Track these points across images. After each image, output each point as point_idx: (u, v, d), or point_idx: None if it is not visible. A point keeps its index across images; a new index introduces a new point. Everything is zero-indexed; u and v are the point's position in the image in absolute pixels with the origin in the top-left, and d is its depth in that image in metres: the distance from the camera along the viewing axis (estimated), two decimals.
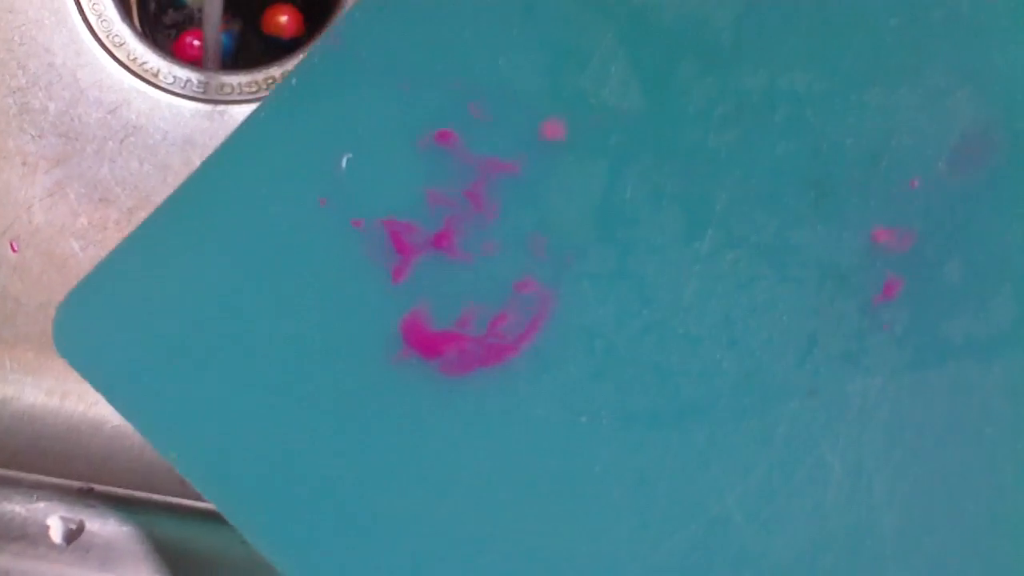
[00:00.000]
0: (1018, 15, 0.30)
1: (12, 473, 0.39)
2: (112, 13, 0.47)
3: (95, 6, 0.47)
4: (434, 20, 0.33)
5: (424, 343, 0.29)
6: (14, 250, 0.45)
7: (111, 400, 0.30)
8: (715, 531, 0.27)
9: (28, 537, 0.37)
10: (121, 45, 0.47)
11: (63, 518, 0.37)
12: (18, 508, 0.37)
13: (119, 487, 0.38)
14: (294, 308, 0.30)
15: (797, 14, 0.31)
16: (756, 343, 0.28)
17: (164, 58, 0.47)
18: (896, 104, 0.30)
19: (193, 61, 0.50)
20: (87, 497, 0.38)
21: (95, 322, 0.31)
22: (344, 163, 0.31)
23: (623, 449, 0.28)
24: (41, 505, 0.38)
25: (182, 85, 0.47)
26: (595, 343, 0.29)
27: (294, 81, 0.33)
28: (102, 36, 0.47)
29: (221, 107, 0.46)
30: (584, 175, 0.31)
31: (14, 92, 0.46)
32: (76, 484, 0.38)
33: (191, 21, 0.56)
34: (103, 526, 0.37)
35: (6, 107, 0.46)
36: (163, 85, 0.47)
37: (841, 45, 0.31)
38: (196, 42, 0.53)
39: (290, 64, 0.47)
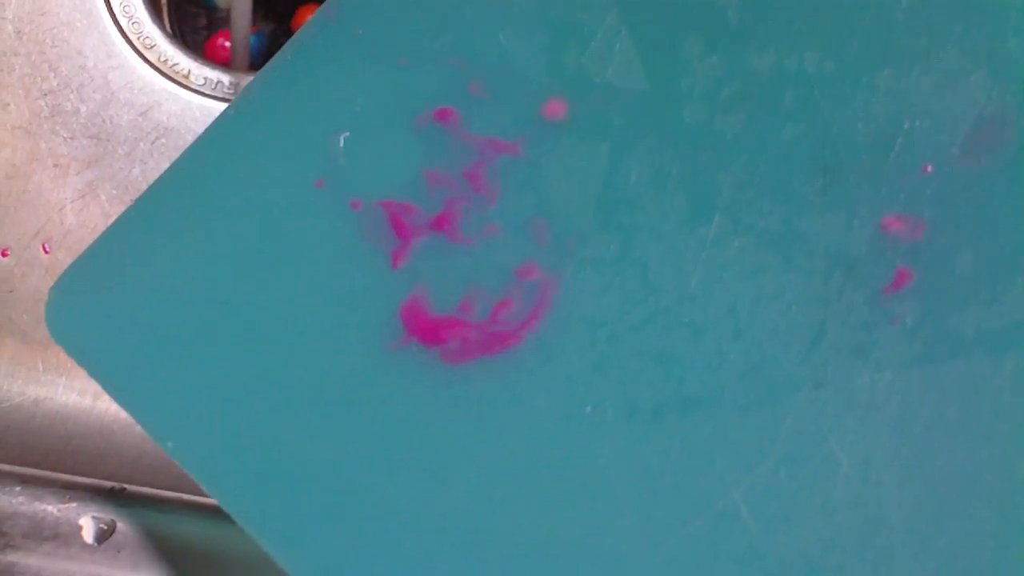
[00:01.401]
0: None
1: (44, 473, 0.39)
2: (143, 15, 0.48)
3: (126, 8, 0.47)
4: None
5: (425, 330, 0.29)
6: (46, 251, 0.45)
7: (105, 386, 0.29)
8: (721, 526, 0.27)
9: (60, 537, 0.37)
10: (152, 47, 0.47)
11: (95, 518, 0.38)
12: (50, 508, 0.38)
13: (151, 487, 0.38)
14: (291, 292, 0.30)
15: None
16: (763, 334, 0.28)
17: (194, 60, 0.48)
18: (909, 87, 0.29)
19: (224, 63, 0.51)
20: (119, 497, 0.38)
21: (89, 306, 0.30)
22: (342, 142, 0.31)
23: (628, 440, 0.28)
24: (73, 505, 0.38)
25: (213, 86, 0.47)
26: (599, 332, 0.28)
27: (289, 57, 0.32)
28: (133, 38, 0.48)
29: None
30: (587, 157, 0.30)
31: (46, 94, 0.47)
32: (108, 484, 0.39)
33: (222, 23, 0.56)
34: (135, 526, 0.38)
35: (38, 109, 0.47)
36: (194, 86, 0.47)
37: (851, 24, 0.30)
38: (227, 43, 0.53)
39: None
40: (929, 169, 0.28)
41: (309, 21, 0.33)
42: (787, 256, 0.28)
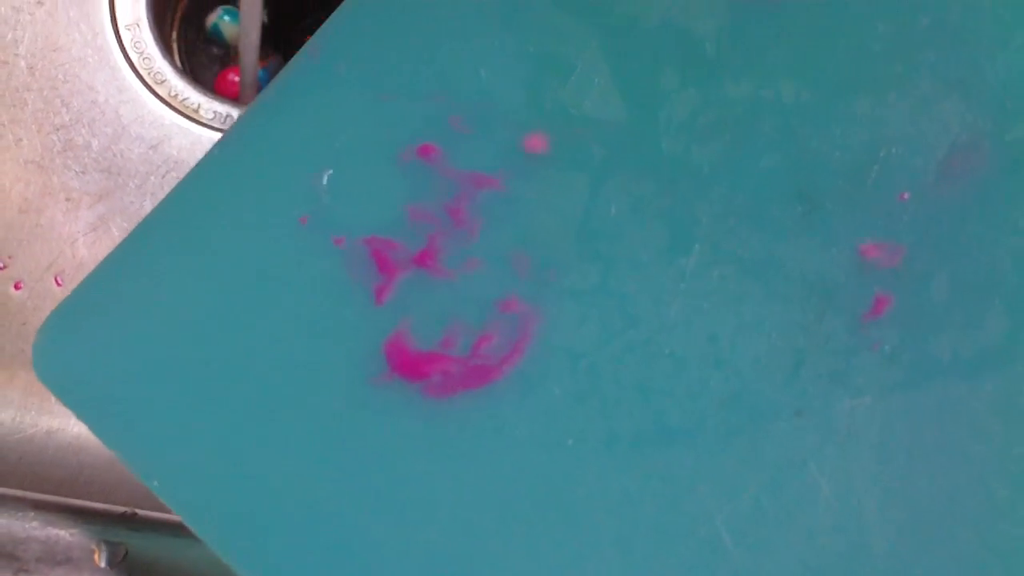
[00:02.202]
0: (1007, 21, 0.30)
1: (57, 498, 0.40)
2: (153, 51, 0.49)
3: (137, 44, 0.48)
4: (414, 32, 0.32)
5: (408, 365, 0.29)
6: (59, 284, 0.46)
7: (92, 427, 0.30)
8: (703, 554, 0.27)
9: (73, 561, 0.37)
10: (162, 82, 0.48)
11: (107, 542, 0.38)
12: (63, 532, 0.38)
13: (162, 512, 0.39)
14: (276, 329, 0.30)
15: (781, 22, 0.31)
16: (743, 362, 0.28)
17: (204, 94, 0.48)
18: (884, 114, 0.30)
19: (235, 97, 0.51)
20: (131, 521, 0.39)
21: (74, 347, 0.30)
22: (325, 180, 0.31)
23: (609, 470, 0.28)
24: (86, 529, 0.38)
25: (222, 120, 0.48)
26: (580, 364, 0.29)
27: (273, 95, 0.32)
28: (143, 73, 0.48)
29: None
30: (567, 190, 0.30)
31: (58, 129, 0.47)
32: (120, 509, 0.39)
33: (231, 57, 0.57)
34: (146, 550, 0.38)
35: (50, 144, 0.47)
36: (203, 120, 0.48)
37: (827, 53, 0.30)
38: (237, 78, 0.53)
39: None
40: (905, 195, 0.29)
41: (292, 60, 0.33)
42: (766, 284, 0.29)
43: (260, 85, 0.51)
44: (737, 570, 0.27)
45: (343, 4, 0.33)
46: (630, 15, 0.32)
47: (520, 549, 0.27)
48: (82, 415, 0.30)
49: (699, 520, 0.27)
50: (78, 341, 0.30)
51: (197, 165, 0.32)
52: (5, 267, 0.46)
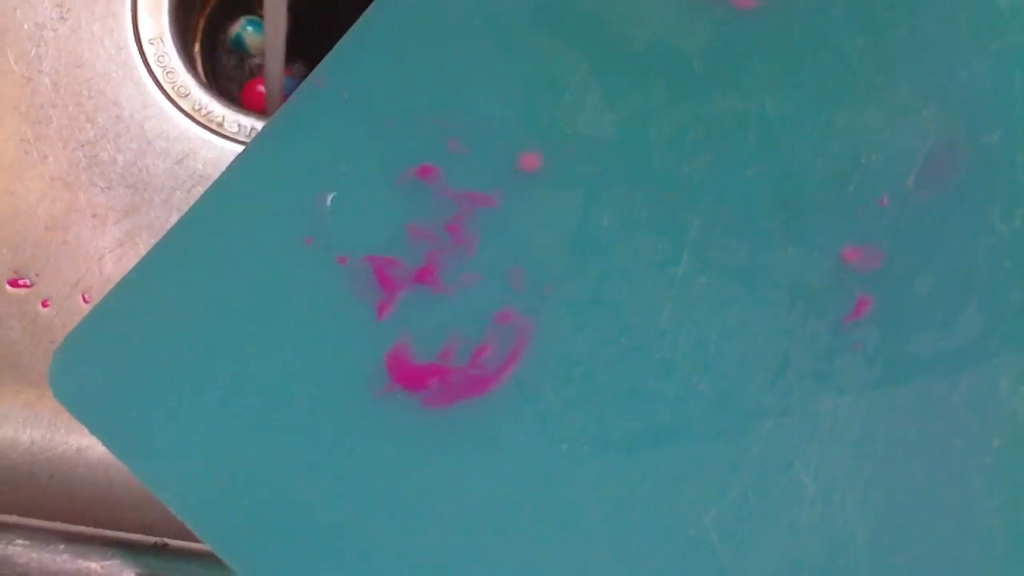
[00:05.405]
0: (980, 31, 0.30)
1: (88, 530, 0.40)
2: (177, 64, 0.49)
3: (160, 59, 0.49)
4: (413, 60, 0.34)
5: (409, 377, 0.30)
6: (86, 301, 0.46)
7: (106, 443, 0.31)
8: (692, 552, 0.28)
9: None
10: (186, 96, 0.48)
11: (139, 574, 0.38)
12: (94, 565, 0.38)
13: (193, 539, 0.39)
14: (284, 347, 0.31)
15: (764, 38, 0.32)
16: (730, 365, 0.29)
17: (228, 107, 0.48)
18: (864, 123, 0.30)
19: (262, 108, 0.51)
20: (162, 553, 0.39)
21: (89, 367, 0.31)
22: (329, 202, 0.32)
23: (602, 473, 0.29)
24: (117, 562, 0.38)
25: (247, 133, 0.48)
26: (573, 371, 0.30)
27: (280, 122, 0.34)
28: (168, 87, 0.48)
29: None
30: (561, 205, 0.31)
31: (83, 145, 0.47)
32: (151, 540, 0.39)
33: (256, 69, 0.57)
34: None
35: (76, 160, 0.47)
36: (228, 134, 0.48)
37: (808, 66, 0.31)
38: (263, 89, 0.53)
39: None
40: (885, 200, 0.30)
41: (299, 88, 0.34)
42: (752, 290, 0.30)
43: (287, 95, 0.51)
44: (724, 566, 0.27)
45: (347, 34, 0.35)
46: (619, 37, 0.33)
47: (517, 549, 0.28)
48: (97, 432, 0.31)
49: (688, 519, 0.28)
50: (92, 362, 0.32)
51: (209, 189, 0.33)
52: (33, 285, 0.46)
